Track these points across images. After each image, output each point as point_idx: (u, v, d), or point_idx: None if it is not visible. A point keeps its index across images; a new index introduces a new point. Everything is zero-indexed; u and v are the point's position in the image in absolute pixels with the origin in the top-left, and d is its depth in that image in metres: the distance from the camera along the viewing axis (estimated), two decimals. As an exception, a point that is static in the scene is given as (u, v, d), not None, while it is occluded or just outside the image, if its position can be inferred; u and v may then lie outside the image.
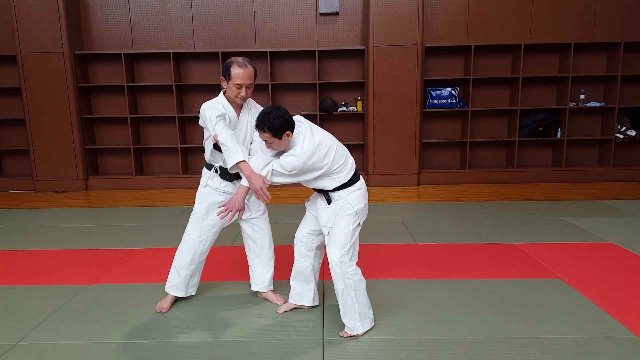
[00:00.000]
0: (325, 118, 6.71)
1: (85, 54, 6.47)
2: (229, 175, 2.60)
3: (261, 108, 2.46)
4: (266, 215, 2.81)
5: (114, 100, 6.69)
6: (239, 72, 2.43)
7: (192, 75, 6.70)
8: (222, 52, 6.34)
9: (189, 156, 6.88)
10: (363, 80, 6.50)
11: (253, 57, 6.49)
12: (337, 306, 2.74)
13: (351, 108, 6.62)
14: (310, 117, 6.62)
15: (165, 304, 2.77)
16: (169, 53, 6.36)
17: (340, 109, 6.59)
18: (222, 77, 2.53)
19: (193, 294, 2.84)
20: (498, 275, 3.21)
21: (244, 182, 2.45)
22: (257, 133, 2.36)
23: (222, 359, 2.24)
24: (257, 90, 6.61)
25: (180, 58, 6.61)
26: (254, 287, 2.85)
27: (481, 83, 6.62)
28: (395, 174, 6.53)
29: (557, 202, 5.41)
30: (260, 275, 2.83)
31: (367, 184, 6.53)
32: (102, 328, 2.58)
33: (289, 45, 6.50)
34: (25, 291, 3.09)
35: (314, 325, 2.54)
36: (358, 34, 6.57)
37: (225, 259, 3.58)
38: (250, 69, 2.47)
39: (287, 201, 5.76)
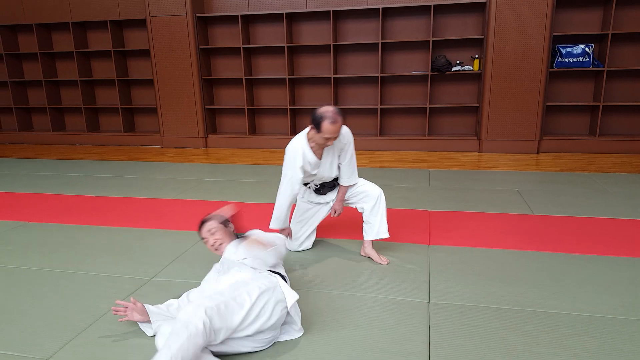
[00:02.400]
0: (437, 78, 6.41)
1: (206, 17, 6.82)
2: (322, 190, 2.99)
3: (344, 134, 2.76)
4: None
5: (231, 62, 7.02)
6: (331, 128, 2.56)
7: (304, 35, 6.75)
8: (333, 11, 6.27)
9: (297, 118, 7.05)
10: (482, 37, 6.04)
11: (364, 14, 6.37)
12: (443, 271, 2.69)
13: (467, 67, 6.22)
14: (422, 77, 6.42)
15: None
16: (282, 14, 6.46)
17: (454, 69, 6.22)
18: (312, 125, 2.64)
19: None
20: (628, 253, 2.88)
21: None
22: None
23: (332, 308, 2.31)
24: (366, 49, 6.51)
25: (293, 18, 6.68)
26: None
27: (622, 39, 5.79)
28: (512, 139, 6.08)
29: None
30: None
31: (480, 150, 6.23)
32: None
33: (402, 1, 6.23)
34: (158, 234, 3.47)
35: (420, 288, 2.51)
36: (478, -14, 6.06)
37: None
38: (340, 122, 2.58)
39: (392, 165, 5.69)
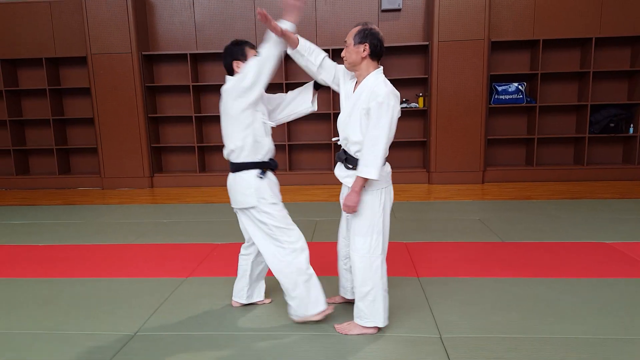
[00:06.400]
0: (386, 115, 6.66)
1: (152, 55, 6.63)
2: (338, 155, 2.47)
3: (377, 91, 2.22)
4: None
5: (178, 100, 6.84)
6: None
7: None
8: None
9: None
10: (425, 76, 6.42)
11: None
12: (442, 303, 2.70)
13: (413, 105, 6.55)
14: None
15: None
16: (234, 52, 6.44)
17: (401, 106, 6.52)
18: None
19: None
20: (601, 275, 3.10)
21: None
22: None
23: (337, 352, 2.24)
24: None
25: (244, 57, 6.67)
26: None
27: (549, 78, 6.43)
28: (459, 171, 6.41)
29: (637, 201, 5.19)
30: None
31: (430, 182, 6.48)
32: (214, 319, 2.62)
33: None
34: (129, 283, 3.18)
35: (427, 322, 2.50)
36: (420, 29, 6.49)
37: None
38: (353, 30, 2.31)
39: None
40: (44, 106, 6.84)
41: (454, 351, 2.21)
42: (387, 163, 2.37)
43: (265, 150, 2.46)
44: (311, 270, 2.44)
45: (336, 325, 2.45)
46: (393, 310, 2.57)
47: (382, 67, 2.34)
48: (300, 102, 2.63)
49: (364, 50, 2.25)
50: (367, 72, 2.30)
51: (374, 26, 2.32)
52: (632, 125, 6.37)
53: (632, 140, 6.41)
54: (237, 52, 2.44)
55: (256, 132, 2.41)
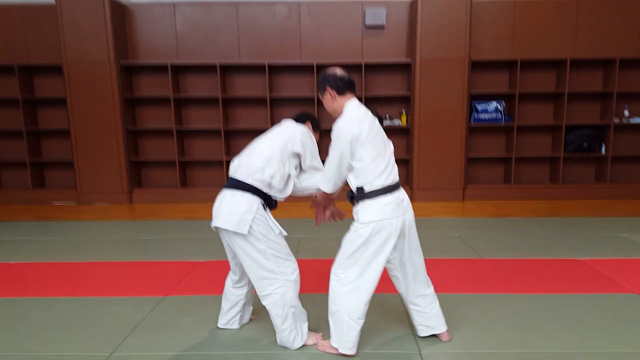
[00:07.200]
0: (367, 131, 6.70)
1: (131, 65, 6.52)
2: None
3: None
4: None
5: (158, 112, 6.73)
6: None
7: (238, 87, 6.73)
8: (268, 64, 6.37)
9: (230, 168, 6.90)
10: (408, 94, 6.50)
11: (298, 69, 6.55)
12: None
13: (396, 122, 6.61)
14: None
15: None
16: (215, 64, 6.41)
17: (384, 123, 6.58)
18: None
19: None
20: (573, 290, 3.17)
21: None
22: None
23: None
24: (302, 103, 6.63)
25: (226, 70, 6.66)
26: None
27: (527, 98, 6.59)
28: (440, 189, 6.48)
29: (609, 219, 5.32)
30: None
31: (412, 199, 6.50)
32: (193, 340, 2.56)
33: (334, 58, 6.49)
34: (105, 303, 3.08)
35: (407, 339, 2.51)
36: (403, 47, 6.58)
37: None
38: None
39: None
40: (16, 117, 6.61)
41: (435, 370, 2.21)
42: (389, 195, 2.25)
43: (286, 194, 2.49)
44: (299, 304, 2.43)
45: (318, 342, 2.44)
46: (373, 326, 2.56)
47: (353, 98, 2.35)
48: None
49: (330, 95, 2.34)
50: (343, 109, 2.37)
51: (328, 69, 2.40)
52: (603, 145, 6.56)
53: (604, 160, 6.60)
54: (311, 121, 2.68)
55: (290, 171, 2.45)
